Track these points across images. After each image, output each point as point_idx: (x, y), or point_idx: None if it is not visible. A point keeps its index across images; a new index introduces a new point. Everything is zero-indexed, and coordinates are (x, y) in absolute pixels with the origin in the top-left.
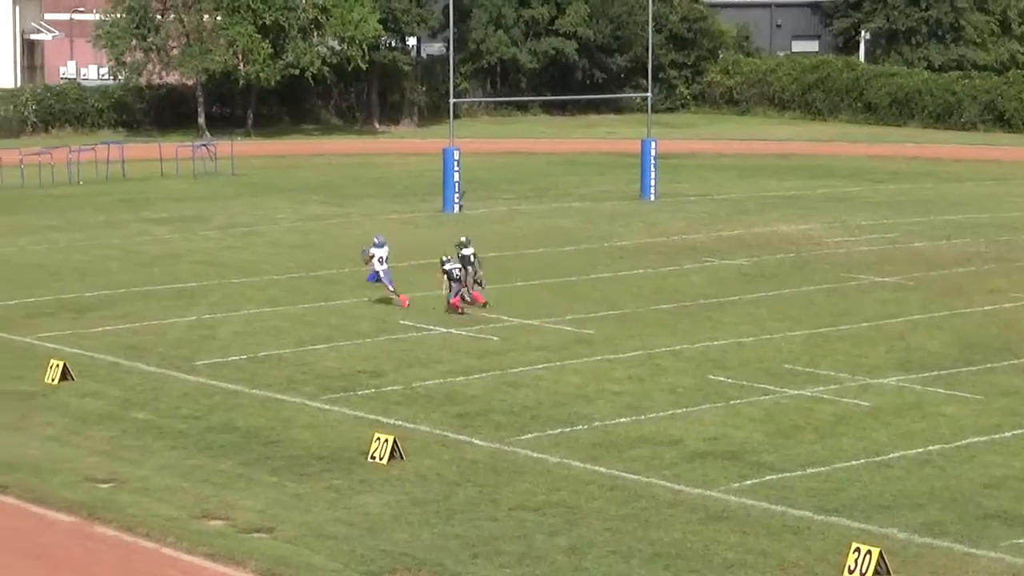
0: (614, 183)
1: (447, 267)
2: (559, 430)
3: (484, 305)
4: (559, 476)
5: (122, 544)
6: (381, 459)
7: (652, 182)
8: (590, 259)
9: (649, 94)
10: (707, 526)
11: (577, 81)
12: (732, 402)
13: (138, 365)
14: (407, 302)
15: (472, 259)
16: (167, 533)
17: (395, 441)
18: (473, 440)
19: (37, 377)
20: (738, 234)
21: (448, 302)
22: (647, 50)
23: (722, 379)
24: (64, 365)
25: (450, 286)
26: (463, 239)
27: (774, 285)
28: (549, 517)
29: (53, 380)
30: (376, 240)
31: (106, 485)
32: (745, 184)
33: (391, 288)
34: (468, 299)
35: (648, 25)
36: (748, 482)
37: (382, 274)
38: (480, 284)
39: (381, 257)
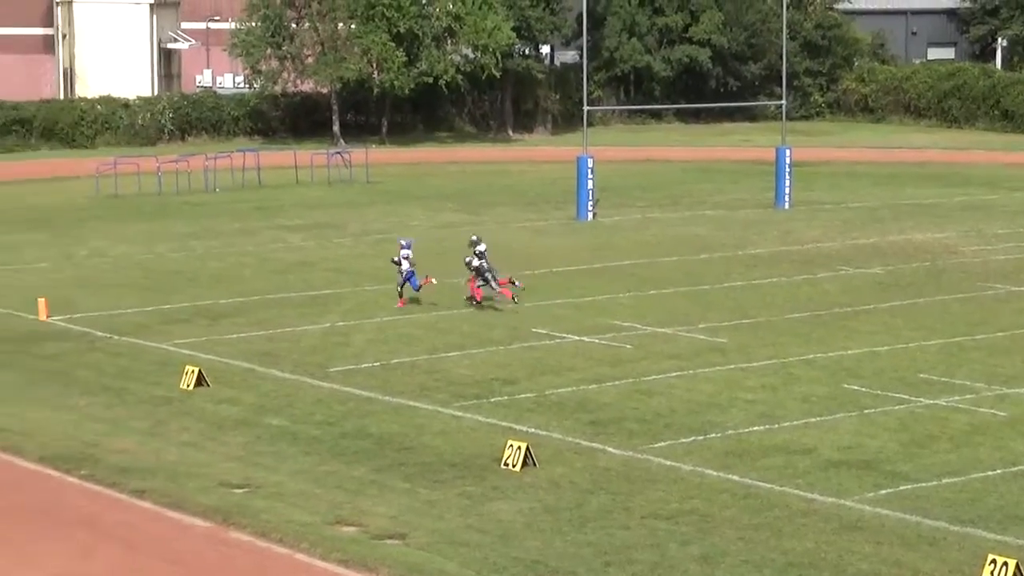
0: (748, 191)
1: (474, 264)
2: (692, 438)
3: (480, 302)
4: (692, 484)
5: (256, 549)
6: (514, 466)
7: (786, 190)
8: (724, 267)
9: (783, 102)
10: (841, 536)
11: (711, 89)
12: (866, 411)
13: (272, 371)
14: (403, 304)
15: (483, 256)
16: (300, 539)
17: (528, 448)
18: (606, 448)
19: (173, 383)
20: (873, 242)
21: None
22: (781, 58)
23: (856, 388)
24: (200, 371)
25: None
26: (474, 238)
27: (909, 294)
28: (682, 525)
29: (189, 386)
30: (402, 242)
31: (241, 490)
32: (880, 192)
33: (400, 288)
34: (495, 288)
35: (782, 32)
36: (882, 492)
37: (404, 274)
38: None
39: (407, 257)
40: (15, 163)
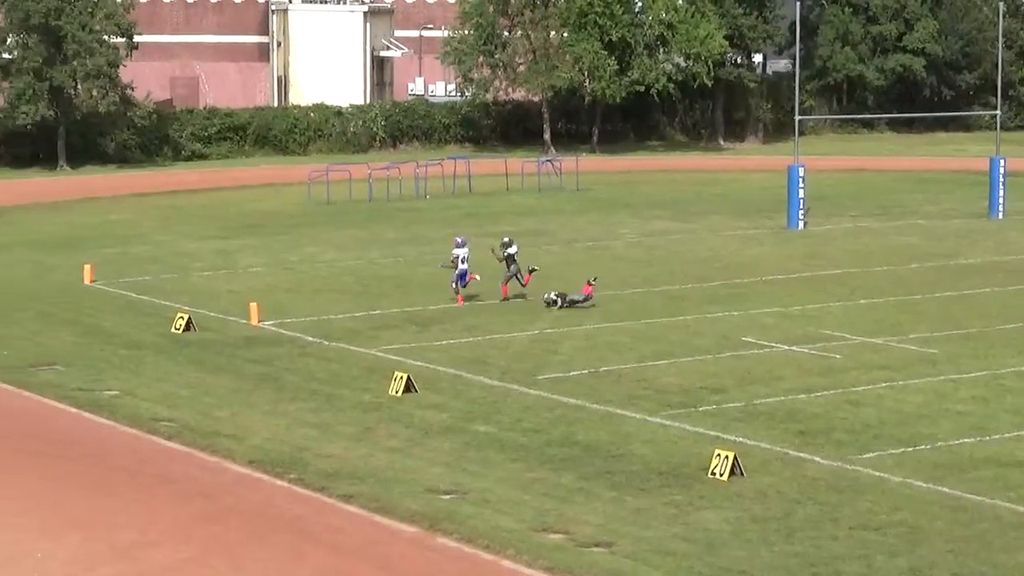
0: (961, 201)
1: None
2: (901, 449)
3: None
4: (901, 496)
5: (463, 556)
6: (721, 475)
7: (1000, 200)
8: (935, 277)
9: (998, 111)
10: None
11: (924, 98)
12: None
13: (480, 378)
14: (462, 302)
15: (515, 257)
16: (507, 546)
17: (735, 458)
18: (814, 458)
19: (382, 389)
20: None
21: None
22: (997, 67)
23: None
24: (408, 377)
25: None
26: (506, 239)
27: None
28: (890, 537)
29: (397, 392)
30: (457, 241)
31: (448, 496)
32: None
33: (454, 286)
34: (523, 284)
35: (998, 41)
36: None
37: (459, 273)
38: (517, 278)
39: (463, 257)
40: (229, 169)
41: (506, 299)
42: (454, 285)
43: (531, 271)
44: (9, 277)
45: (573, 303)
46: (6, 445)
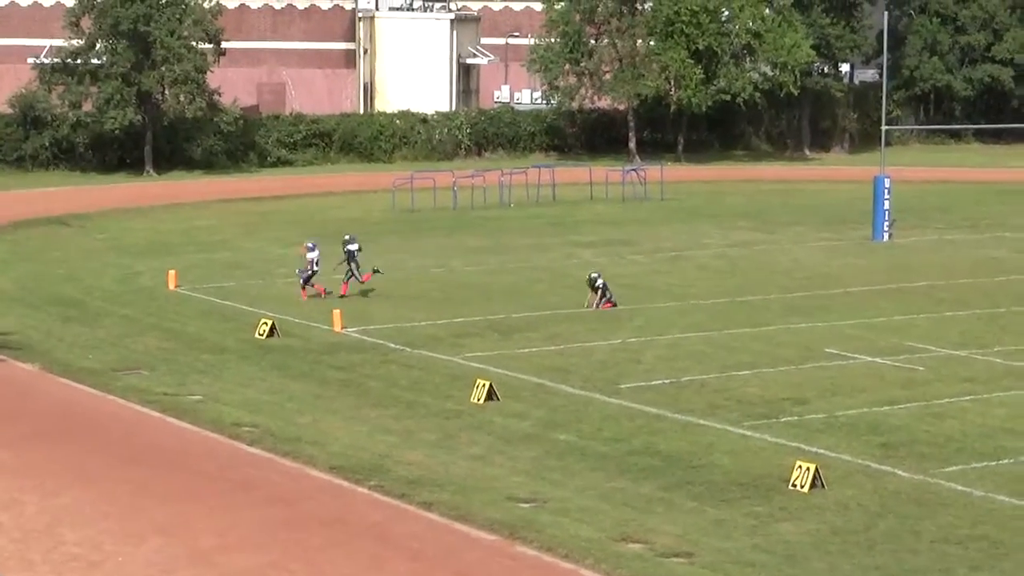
0: None
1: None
2: (984, 463)
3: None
4: (983, 510)
5: (541, 564)
6: (802, 487)
7: None
8: (1022, 290)
9: None
10: None
11: (1012, 109)
12: None
13: (562, 387)
14: (305, 296)
15: (355, 255)
16: (586, 555)
17: (817, 469)
18: (896, 471)
19: (464, 396)
20: None
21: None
22: None
23: None
24: (490, 385)
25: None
26: (347, 237)
27: None
28: (972, 551)
29: (479, 400)
30: (308, 245)
31: (527, 505)
32: None
33: (303, 284)
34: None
35: None
36: None
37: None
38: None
39: (316, 260)
40: (315, 176)
41: (344, 296)
42: (302, 282)
43: (374, 271)
44: (95, 282)
45: (604, 293)
46: (90, 449)
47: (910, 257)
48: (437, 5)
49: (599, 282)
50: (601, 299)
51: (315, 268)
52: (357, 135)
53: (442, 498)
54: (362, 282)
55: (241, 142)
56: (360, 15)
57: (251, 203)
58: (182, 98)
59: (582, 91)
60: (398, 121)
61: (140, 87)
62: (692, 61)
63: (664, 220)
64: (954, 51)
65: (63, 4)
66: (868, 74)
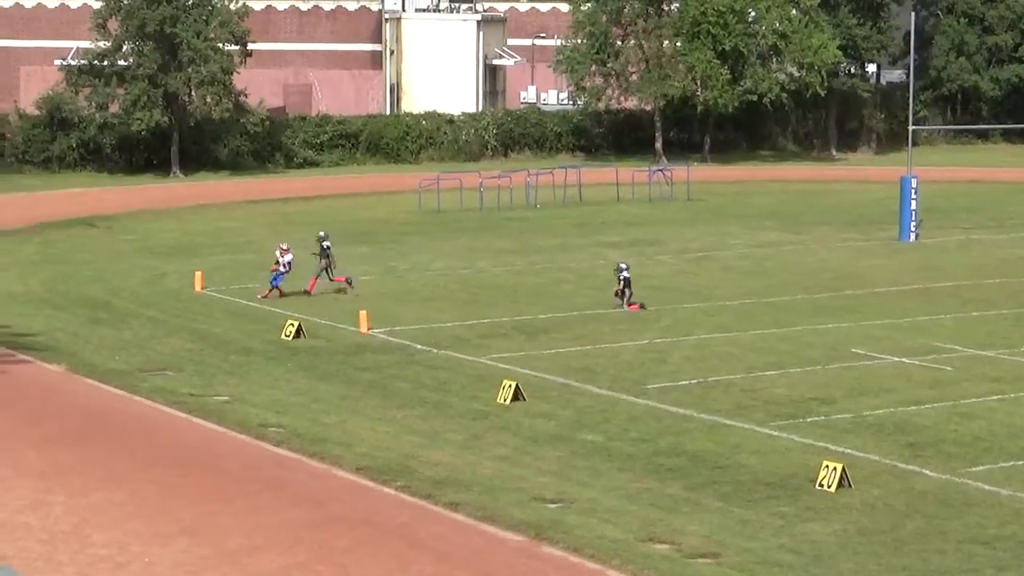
0: None
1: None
2: (1012, 463)
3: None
4: (1011, 510)
5: (568, 565)
6: (829, 487)
7: None
8: None
9: None
10: None
11: None
12: None
13: (589, 387)
14: (265, 295)
15: (329, 251)
16: (613, 556)
17: (844, 469)
18: (923, 470)
19: (490, 397)
20: None
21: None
22: None
23: None
24: (516, 385)
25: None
26: (322, 233)
27: None
28: (999, 551)
29: (505, 400)
30: (282, 247)
31: (554, 505)
32: None
33: (274, 285)
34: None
35: None
36: None
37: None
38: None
39: (288, 261)
40: (341, 177)
41: (309, 293)
42: (274, 283)
43: (347, 281)
44: (122, 283)
45: (625, 292)
46: (117, 450)
47: (937, 257)
48: (464, 6)
49: (623, 274)
50: (625, 296)
51: (285, 269)
52: (384, 136)
53: (468, 499)
54: (331, 280)
55: (268, 143)
56: (386, 16)
57: (277, 204)
58: (208, 99)
59: (608, 92)
60: (424, 122)
61: (167, 88)
62: (719, 62)
63: (690, 221)
64: (981, 51)
65: (90, 6)
66: (895, 74)
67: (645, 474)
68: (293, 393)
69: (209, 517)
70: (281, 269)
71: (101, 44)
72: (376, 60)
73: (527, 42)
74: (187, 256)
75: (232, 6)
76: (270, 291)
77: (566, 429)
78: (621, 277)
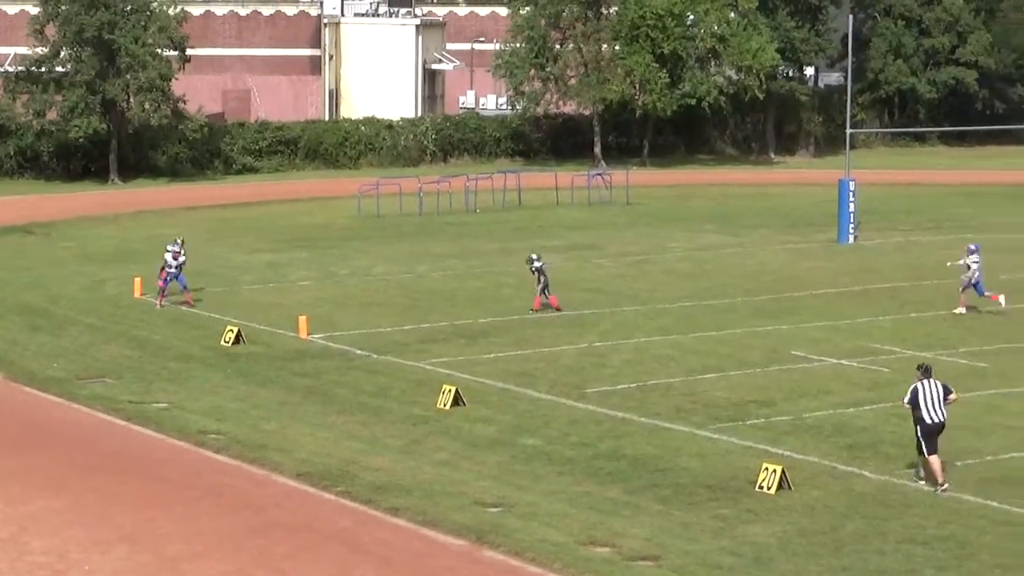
0: (1013, 215)
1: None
2: (950, 464)
3: (559, 310)
4: (949, 510)
5: (509, 569)
6: (769, 489)
7: None
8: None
9: None
10: None
11: (976, 111)
12: None
13: (528, 391)
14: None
15: (544, 270)
16: (554, 559)
17: (783, 471)
18: (862, 472)
19: (430, 402)
20: None
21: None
22: None
23: None
24: (456, 390)
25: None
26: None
27: None
28: (938, 551)
29: (445, 405)
30: (174, 247)
31: (495, 509)
32: None
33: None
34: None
35: None
36: None
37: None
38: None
39: (178, 264)
40: (280, 183)
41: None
42: (171, 286)
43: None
44: (60, 290)
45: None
46: (56, 457)
47: (875, 259)
48: (402, 11)
49: (536, 264)
50: (541, 286)
51: (174, 272)
52: (322, 142)
53: (409, 503)
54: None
55: (206, 149)
56: (325, 21)
57: (216, 210)
58: (147, 106)
59: (547, 96)
60: (363, 127)
61: (105, 95)
62: (657, 65)
63: (630, 224)
64: (918, 54)
65: (27, 12)
66: (833, 77)
67: (585, 477)
68: (233, 399)
69: (149, 524)
70: (171, 271)
71: (39, 50)
72: (315, 65)
73: (466, 46)
74: (126, 263)
75: (171, 11)
76: (163, 296)
77: (506, 433)
78: (533, 268)
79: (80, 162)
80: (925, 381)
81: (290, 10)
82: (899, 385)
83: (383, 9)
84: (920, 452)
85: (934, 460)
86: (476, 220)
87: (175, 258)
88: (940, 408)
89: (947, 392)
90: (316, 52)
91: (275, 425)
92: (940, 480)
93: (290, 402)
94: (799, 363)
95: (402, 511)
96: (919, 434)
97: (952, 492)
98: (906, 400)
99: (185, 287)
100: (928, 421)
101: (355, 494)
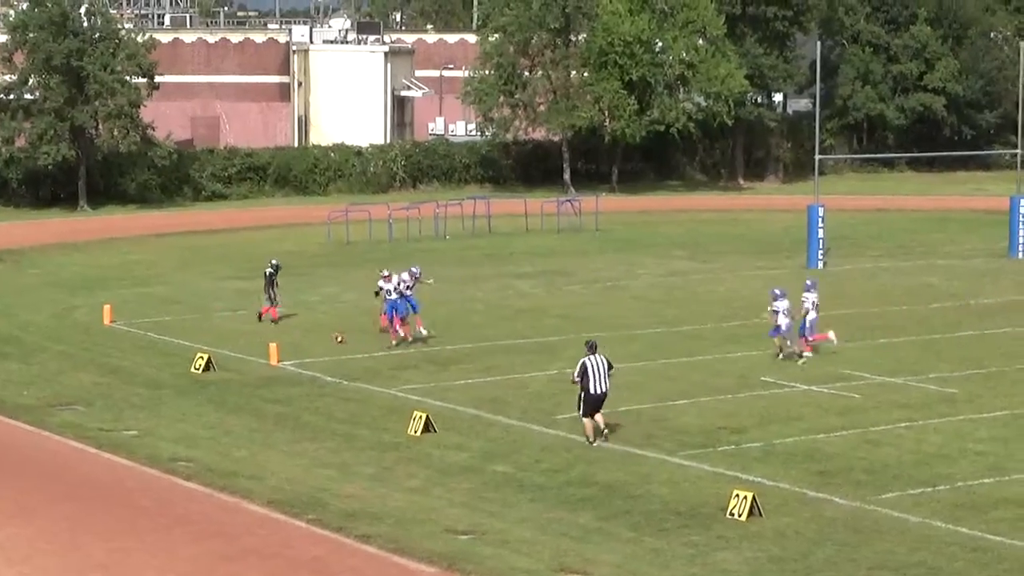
0: (982, 240)
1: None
2: (920, 490)
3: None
4: (920, 536)
5: None
6: (740, 516)
7: (1020, 239)
8: (955, 317)
9: (1019, 150)
10: None
11: (945, 137)
12: None
13: (499, 418)
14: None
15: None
16: None
17: (754, 498)
18: (833, 498)
19: (401, 429)
20: None
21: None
22: (1017, 106)
23: None
24: (427, 417)
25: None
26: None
27: None
28: None
29: (416, 432)
30: (384, 274)
31: (466, 537)
32: None
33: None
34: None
35: (1019, 80)
36: None
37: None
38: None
39: (391, 289)
40: (250, 210)
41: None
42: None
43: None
44: (30, 317)
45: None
46: (26, 486)
47: (844, 285)
48: (371, 38)
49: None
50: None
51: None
52: (292, 168)
53: (380, 531)
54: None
55: (175, 176)
56: (294, 48)
57: (186, 237)
58: (116, 133)
59: (516, 123)
60: (333, 154)
61: (73, 122)
62: (626, 92)
63: (599, 251)
64: (887, 80)
65: None
66: (801, 104)
67: (556, 504)
68: (203, 427)
69: (121, 552)
70: (392, 298)
71: (7, 78)
72: (284, 92)
73: (435, 73)
74: (95, 290)
75: (139, 39)
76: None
77: (477, 460)
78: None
79: (49, 189)
80: (592, 356)
81: (259, 37)
82: (869, 411)
83: (352, 36)
84: (582, 415)
85: (587, 422)
86: (446, 247)
87: (387, 281)
88: (605, 380)
89: (610, 366)
90: (285, 79)
91: (246, 452)
92: (592, 438)
93: (261, 429)
94: (769, 389)
95: (373, 538)
96: (582, 400)
97: (923, 519)
98: (576, 374)
99: (415, 309)
100: (593, 392)
101: (326, 521)
